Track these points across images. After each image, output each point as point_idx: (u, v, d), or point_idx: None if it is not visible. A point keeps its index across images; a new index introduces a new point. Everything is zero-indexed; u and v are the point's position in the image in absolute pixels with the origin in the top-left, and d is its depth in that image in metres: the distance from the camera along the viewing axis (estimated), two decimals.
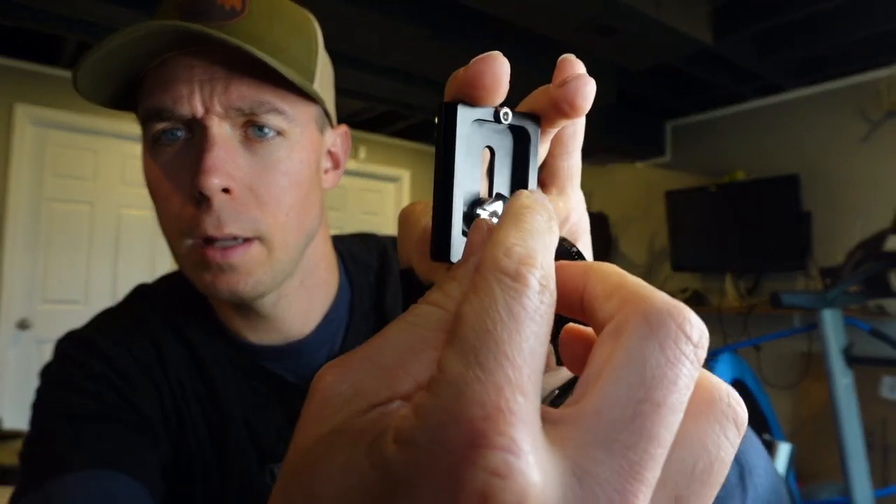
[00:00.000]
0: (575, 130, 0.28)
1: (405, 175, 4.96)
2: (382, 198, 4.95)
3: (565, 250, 0.25)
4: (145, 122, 0.54)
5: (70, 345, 0.61)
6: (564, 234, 0.28)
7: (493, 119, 0.24)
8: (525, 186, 0.25)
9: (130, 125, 3.94)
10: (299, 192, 0.56)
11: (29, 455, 0.54)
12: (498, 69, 0.23)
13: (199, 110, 0.51)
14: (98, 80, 0.53)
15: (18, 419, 3.40)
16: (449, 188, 0.23)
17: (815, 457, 3.29)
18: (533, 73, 3.09)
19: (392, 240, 0.73)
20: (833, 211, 3.40)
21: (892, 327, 2.94)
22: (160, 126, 0.52)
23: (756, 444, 0.43)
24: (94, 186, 3.77)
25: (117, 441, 0.54)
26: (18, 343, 3.49)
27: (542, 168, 0.28)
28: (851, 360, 2.39)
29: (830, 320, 2.39)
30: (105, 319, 0.64)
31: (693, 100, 3.89)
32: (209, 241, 0.53)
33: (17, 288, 3.49)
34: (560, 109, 0.25)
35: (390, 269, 0.68)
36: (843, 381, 2.36)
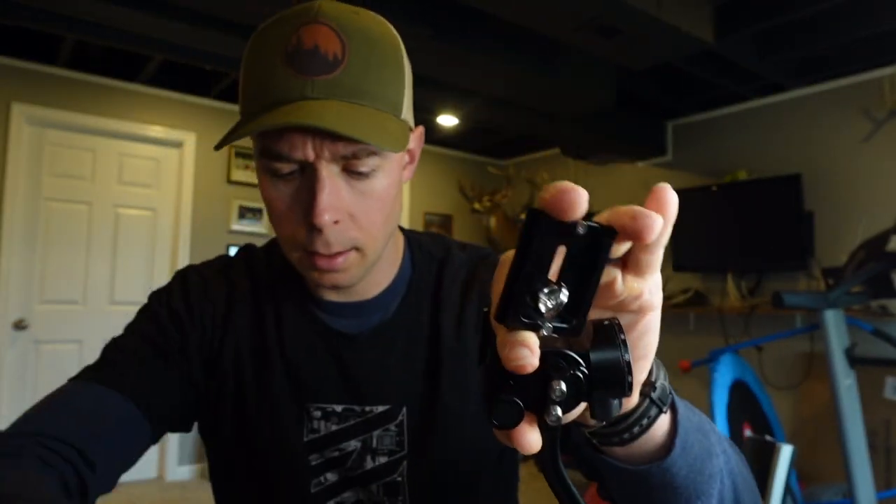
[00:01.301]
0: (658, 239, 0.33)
1: None
2: None
3: (610, 328, 0.33)
4: (261, 156, 0.62)
5: (177, 276, 0.76)
6: (634, 309, 0.35)
7: (570, 228, 0.30)
8: (589, 282, 0.31)
9: (129, 125, 3.94)
10: (389, 209, 0.66)
11: (105, 350, 0.69)
12: (575, 199, 0.29)
13: (311, 156, 0.60)
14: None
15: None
16: (517, 271, 0.30)
17: (817, 458, 3.28)
18: (533, 73, 3.08)
19: (459, 242, 0.83)
20: (835, 211, 3.39)
21: (895, 328, 2.92)
22: (276, 165, 0.61)
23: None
24: (91, 186, 3.76)
25: (147, 372, 0.67)
26: (16, 343, 3.48)
27: (628, 253, 0.33)
28: (854, 360, 2.38)
29: (833, 321, 2.38)
30: (214, 264, 0.78)
31: (694, 99, 3.88)
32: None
33: (14, 288, 3.48)
34: (630, 236, 0.31)
35: (452, 262, 0.78)
36: (846, 381, 2.35)
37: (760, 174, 3.65)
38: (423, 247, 0.79)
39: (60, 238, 3.64)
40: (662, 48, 2.84)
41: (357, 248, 0.64)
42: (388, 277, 0.74)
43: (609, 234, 0.31)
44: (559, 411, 0.31)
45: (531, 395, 0.31)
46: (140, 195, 3.93)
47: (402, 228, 0.80)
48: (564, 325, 0.31)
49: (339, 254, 0.64)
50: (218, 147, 0.62)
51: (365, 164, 0.62)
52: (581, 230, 0.30)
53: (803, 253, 3.39)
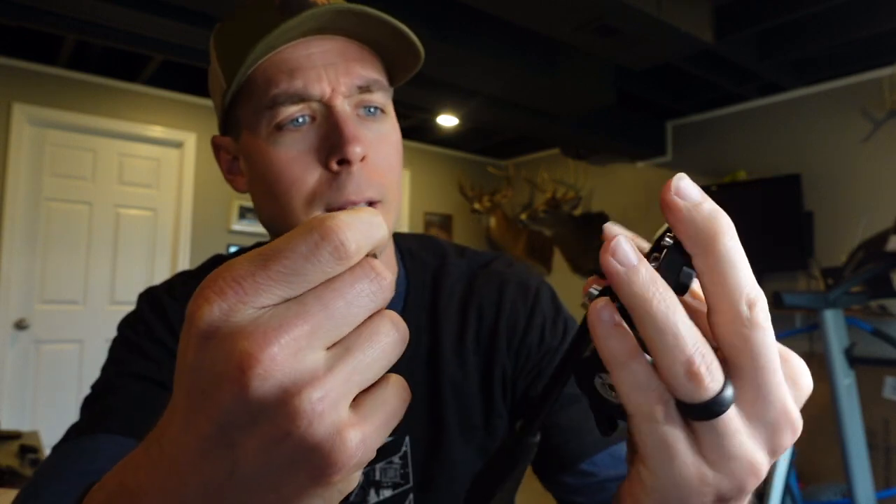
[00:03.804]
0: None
1: (406, 174, 4.96)
2: None
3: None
4: (270, 108, 0.58)
5: (146, 302, 0.69)
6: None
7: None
8: None
9: (129, 125, 3.94)
10: (401, 161, 0.64)
11: (88, 401, 0.63)
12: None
13: (328, 91, 0.57)
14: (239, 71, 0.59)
15: (17, 420, 3.39)
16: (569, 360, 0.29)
17: (816, 458, 3.28)
18: (533, 73, 3.08)
19: (454, 245, 0.77)
20: (835, 211, 3.39)
21: (895, 328, 2.93)
22: (290, 110, 0.57)
23: None
24: (92, 186, 3.76)
25: (155, 409, 0.58)
26: (16, 343, 3.48)
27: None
28: (853, 360, 2.38)
29: (832, 321, 2.38)
30: (179, 282, 0.71)
31: (694, 100, 3.89)
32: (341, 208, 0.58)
33: (14, 288, 3.48)
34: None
35: (448, 271, 0.72)
36: (845, 381, 2.35)
37: (760, 174, 3.65)
38: (414, 255, 0.74)
39: (61, 238, 3.64)
40: (662, 48, 2.85)
41: (381, 202, 0.60)
42: None
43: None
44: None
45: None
46: (140, 195, 3.93)
47: (392, 235, 0.75)
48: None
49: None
50: (226, 97, 0.59)
51: (376, 99, 0.60)
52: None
53: (803, 253, 3.39)
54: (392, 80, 0.65)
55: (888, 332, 2.52)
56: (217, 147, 0.68)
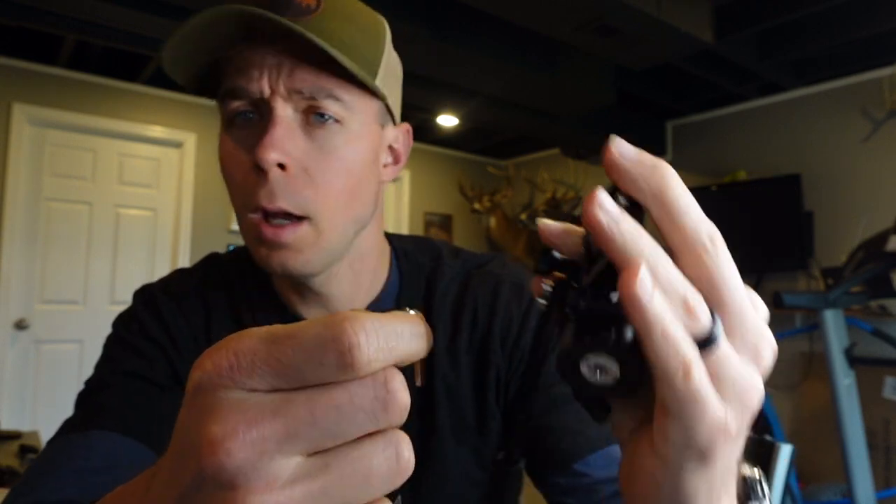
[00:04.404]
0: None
1: (405, 174, 4.96)
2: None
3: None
4: (222, 101, 0.59)
5: (140, 300, 0.69)
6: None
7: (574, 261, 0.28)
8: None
9: (129, 125, 3.94)
10: (351, 179, 0.60)
11: (82, 397, 0.62)
12: (555, 235, 0.28)
13: (266, 90, 0.56)
14: (177, 61, 0.59)
15: (17, 420, 3.39)
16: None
17: (816, 458, 3.28)
18: (533, 73, 3.08)
19: (449, 246, 0.76)
20: (835, 210, 3.39)
21: (895, 328, 2.93)
22: (234, 105, 0.58)
23: None
24: (92, 186, 3.76)
25: (149, 408, 0.60)
26: (16, 343, 3.48)
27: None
28: (853, 360, 2.38)
29: (832, 321, 2.38)
30: (175, 280, 0.71)
31: (694, 100, 3.89)
32: (266, 216, 0.58)
33: (14, 288, 3.48)
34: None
35: (443, 272, 0.71)
36: (845, 381, 2.35)
37: (760, 174, 3.65)
38: (409, 256, 0.73)
39: (61, 238, 3.64)
40: (662, 48, 2.85)
41: (310, 219, 0.58)
42: (375, 288, 0.69)
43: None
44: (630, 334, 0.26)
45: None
46: (140, 195, 3.93)
47: (388, 236, 0.74)
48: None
49: (288, 223, 0.57)
50: (170, 70, 0.59)
51: (325, 107, 0.57)
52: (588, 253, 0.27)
53: (803, 253, 3.39)
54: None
55: (888, 332, 2.52)
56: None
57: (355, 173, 0.60)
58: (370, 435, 0.22)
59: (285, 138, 0.56)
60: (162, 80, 3.85)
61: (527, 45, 2.97)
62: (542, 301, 0.28)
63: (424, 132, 4.68)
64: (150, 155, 3.95)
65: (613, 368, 0.26)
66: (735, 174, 3.79)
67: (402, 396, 0.22)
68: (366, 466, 0.22)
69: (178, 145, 4.02)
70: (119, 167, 3.85)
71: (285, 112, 0.56)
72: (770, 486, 2.03)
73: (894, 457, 3.07)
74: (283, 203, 0.56)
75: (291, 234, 0.57)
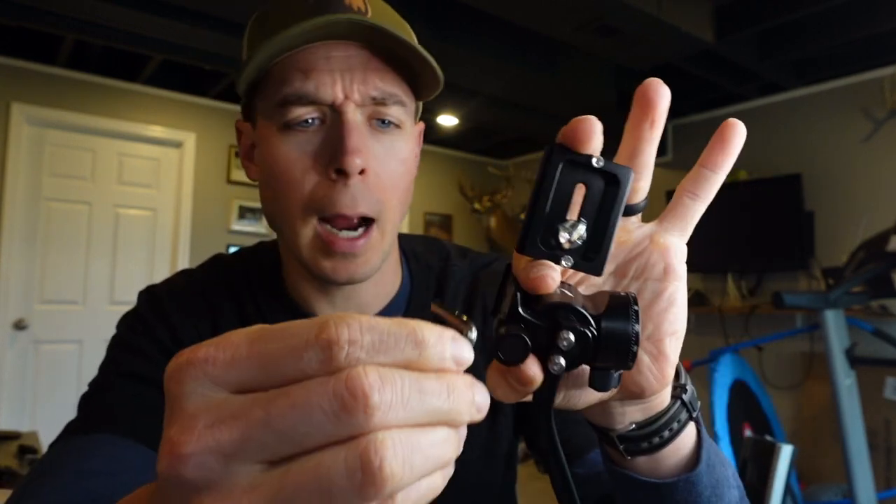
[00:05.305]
0: (709, 178, 0.37)
1: None
2: None
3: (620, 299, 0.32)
4: (281, 106, 0.57)
5: (146, 301, 0.67)
6: (658, 275, 0.37)
7: (587, 163, 0.32)
8: (608, 220, 0.32)
9: (128, 125, 3.94)
10: (408, 179, 0.62)
11: (85, 399, 0.61)
12: (589, 128, 0.31)
13: (340, 97, 0.56)
14: (252, 71, 0.58)
15: (16, 420, 3.39)
16: (537, 202, 0.31)
17: (817, 458, 3.28)
18: (533, 73, 3.08)
19: (457, 247, 0.77)
20: (836, 211, 3.39)
21: (895, 328, 2.92)
22: (298, 112, 0.56)
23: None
24: (91, 186, 3.76)
25: (153, 410, 0.58)
26: (15, 343, 3.48)
27: (672, 203, 0.36)
28: (854, 360, 2.38)
29: (833, 321, 2.38)
30: (180, 282, 0.69)
31: (695, 99, 3.89)
32: (336, 224, 0.58)
33: (14, 288, 3.47)
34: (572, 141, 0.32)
35: (451, 273, 0.72)
36: (846, 381, 2.35)
37: (760, 174, 3.65)
38: (419, 257, 0.74)
39: (60, 238, 3.64)
40: (662, 48, 2.85)
41: (377, 223, 0.59)
42: (391, 289, 0.69)
43: (625, 171, 0.32)
44: (563, 362, 0.30)
45: (539, 339, 0.30)
46: (140, 195, 3.92)
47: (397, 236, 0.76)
48: (584, 262, 0.32)
49: (359, 236, 0.58)
50: (239, 82, 0.58)
51: (391, 112, 0.59)
52: (597, 163, 0.32)
53: (804, 253, 3.39)
54: (418, 95, 0.66)
55: (889, 333, 2.51)
56: (239, 131, 0.68)
57: (410, 173, 0.63)
58: (332, 445, 0.20)
59: (364, 144, 0.56)
60: (161, 80, 3.85)
61: (527, 45, 2.97)
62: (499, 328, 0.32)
63: (425, 132, 4.68)
64: (149, 155, 3.95)
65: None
66: (736, 174, 3.78)
67: (373, 397, 0.20)
68: (323, 476, 0.20)
69: (177, 145, 4.01)
70: (118, 167, 3.84)
71: (356, 117, 0.57)
72: (769, 483, 2.02)
73: (895, 457, 3.06)
74: (364, 208, 0.57)
75: (365, 243, 0.58)
